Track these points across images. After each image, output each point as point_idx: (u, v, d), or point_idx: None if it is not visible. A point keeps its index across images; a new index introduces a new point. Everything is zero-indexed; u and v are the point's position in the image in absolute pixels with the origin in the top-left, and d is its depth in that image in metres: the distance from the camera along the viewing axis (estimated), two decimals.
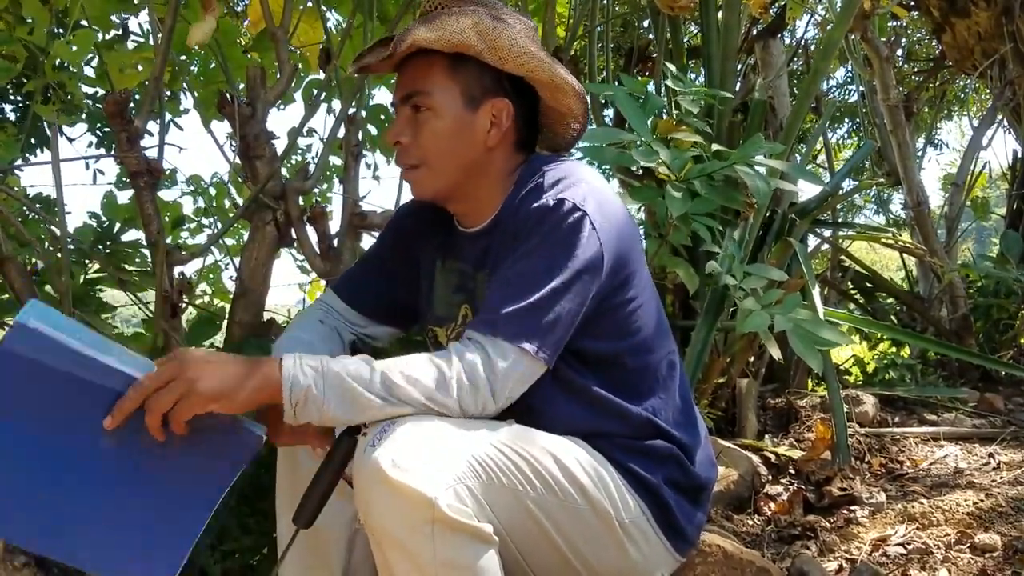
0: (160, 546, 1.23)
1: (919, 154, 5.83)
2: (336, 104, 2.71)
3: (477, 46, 1.35)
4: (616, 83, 2.24)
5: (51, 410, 1.15)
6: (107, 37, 2.64)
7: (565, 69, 1.46)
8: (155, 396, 1.13)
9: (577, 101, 1.49)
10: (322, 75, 2.35)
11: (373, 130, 2.77)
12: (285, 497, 1.49)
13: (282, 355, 1.21)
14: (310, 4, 2.45)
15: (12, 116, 3.56)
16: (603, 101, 3.55)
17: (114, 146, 1.89)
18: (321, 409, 1.18)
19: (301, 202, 2.15)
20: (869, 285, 4.35)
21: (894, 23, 5.51)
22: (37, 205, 2.35)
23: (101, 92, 3.06)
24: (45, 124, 3.11)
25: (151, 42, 2.59)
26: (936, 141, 7.13)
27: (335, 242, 2.17)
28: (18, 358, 1.11)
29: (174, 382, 1.13)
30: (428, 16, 1.38)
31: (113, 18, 2.63)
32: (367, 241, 2.23)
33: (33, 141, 3.36)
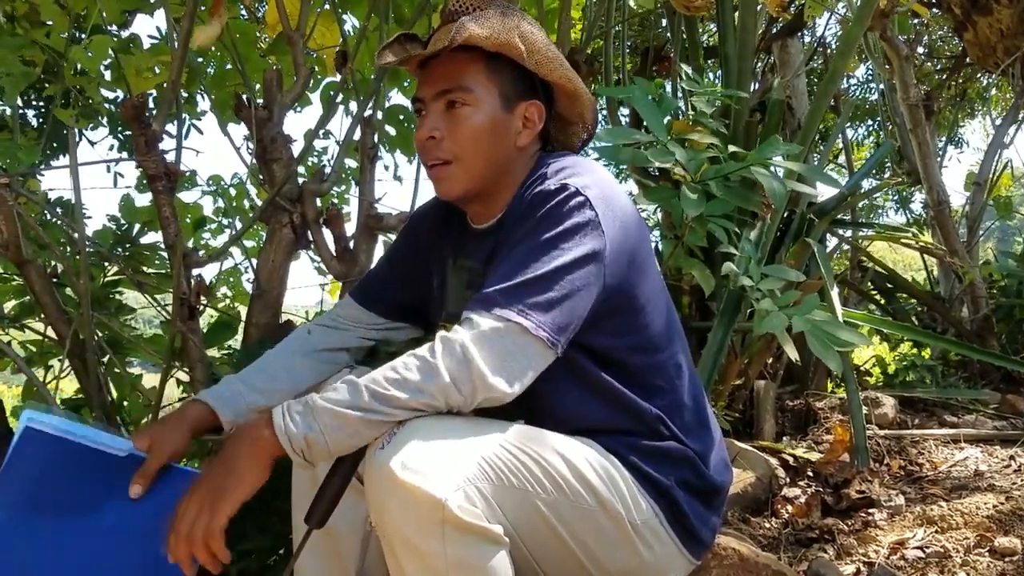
0: None
1: (940, 153, 5.79)
2: (352, 106, 2.72)
3: (520, 48, 1.38)
4: (632, 84, 2.23)
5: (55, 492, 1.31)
6: (122, 35, 2.66)
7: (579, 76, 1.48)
8: (187, 526, 1.18)
9: (589, 110, 1.52)
10: (338, 77, 2.35)
11: (391, 131, 2.77)
12: (301, 497, 1.50)
13: (271, 412, 1.20)
14: (327, 6, 2.46)
15: (33, 120, 3.60)
16: (619, 101, 3.54)
17: (132, 149, 1.90)
18: (327, 448, 1.18)
19: (318, 204, 2.16)
20: (889, 285, 4.32)
21: (915, 21, 5.46)
22: (57, 209, 2.37)
23: (121, 96, 3.08)
24: (66, 128, 3.14)
25: (168, 44, 2.60)
26: (957, 139, 7.06)
27: (351, 244, 2.18)
28: (30, 452, 1.28)
29: (199, 508, 1.19)
30: (471, 15, 1.38)
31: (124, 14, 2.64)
32: (383, 243, 2.24)
33: (55, 145, 3.40)
